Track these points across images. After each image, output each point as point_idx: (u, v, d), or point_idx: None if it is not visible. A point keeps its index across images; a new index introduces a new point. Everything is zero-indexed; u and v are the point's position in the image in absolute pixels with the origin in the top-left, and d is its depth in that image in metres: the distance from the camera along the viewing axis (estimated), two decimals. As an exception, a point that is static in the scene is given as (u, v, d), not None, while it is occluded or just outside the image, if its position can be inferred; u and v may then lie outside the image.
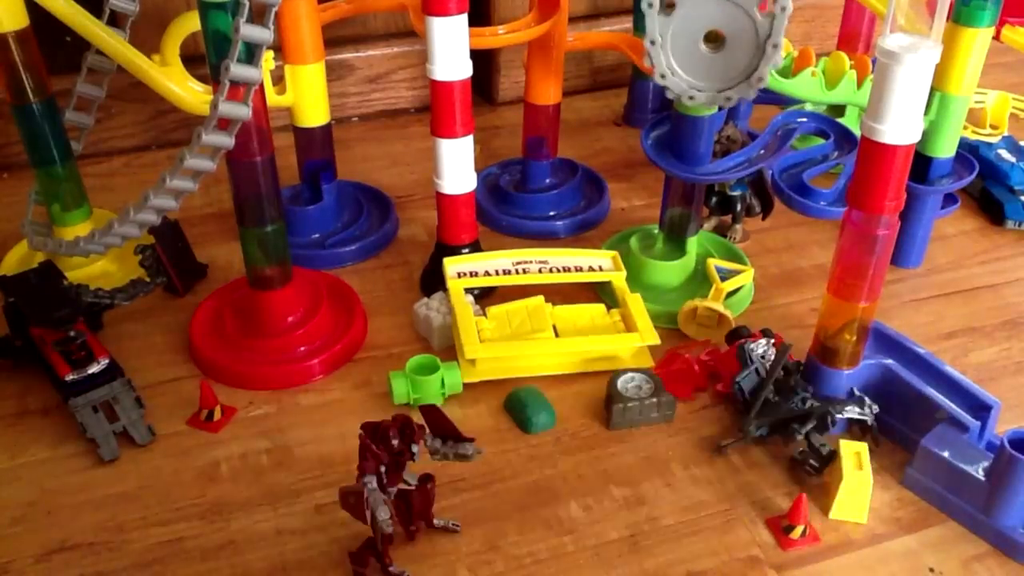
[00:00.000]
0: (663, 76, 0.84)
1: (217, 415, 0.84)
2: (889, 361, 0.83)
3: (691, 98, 0.85)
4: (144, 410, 0.83)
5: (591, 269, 0.98)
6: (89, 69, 1.02)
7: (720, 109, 0.88)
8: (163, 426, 0.84)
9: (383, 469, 0.67)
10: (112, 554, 0.73)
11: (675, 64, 0.83)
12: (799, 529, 0.74)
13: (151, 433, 0.82)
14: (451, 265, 0.95)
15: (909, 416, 0.81)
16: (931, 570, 0.73)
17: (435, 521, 0.74)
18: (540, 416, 0.84)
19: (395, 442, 0.67)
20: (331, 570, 0.72)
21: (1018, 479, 0.72)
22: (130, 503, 0.77)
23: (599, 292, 1.00)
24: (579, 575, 0.72)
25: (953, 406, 0.79)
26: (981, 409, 0.80)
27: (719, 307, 0.91)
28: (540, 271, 0.96)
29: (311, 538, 0.74)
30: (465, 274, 0.95)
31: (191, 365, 0.91)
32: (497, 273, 0.96)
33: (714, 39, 0.82)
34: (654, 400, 0.84)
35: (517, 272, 0.96)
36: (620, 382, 0.85)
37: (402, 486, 0.71)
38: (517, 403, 0.85)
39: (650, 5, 0.80)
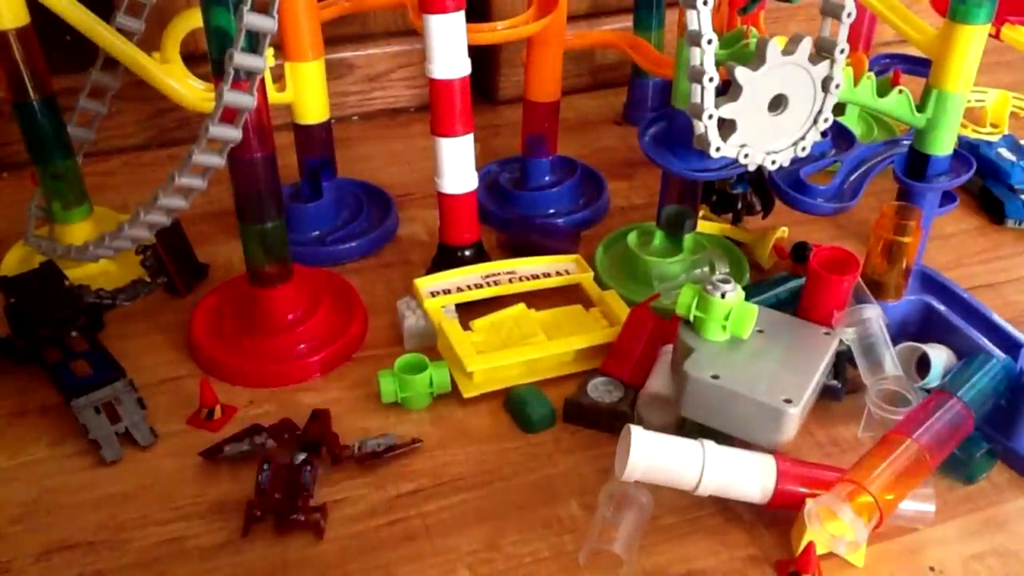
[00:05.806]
0: (746, 156, 0.86)
1: (217, 414, 0.84)
2: (930, 298, 0.90)
3: (773, 163, 0.87)
4: (146, 411, 0.83)
5: (559, 274, 0.99)
6: (93, 86, 1.02)
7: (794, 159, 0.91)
8: (163, 425, 0.84)
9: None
10: (112, 554, 0.73)
11: (747, 139, 0.85)
12: None
13: (153, 434, 0.82)
14: (424, 285, 0.95)
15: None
16: (931, 569, 0.73)
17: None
18: (540, 415, 0.84)
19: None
20: (331, 570, 0.72)
21: None
22: (130, 502, 0.77)
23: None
24: (579, 575, 0.72)
25: (987, 341, 0.85)
26: (1013, 347, 0.85)
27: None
28: (511, 281, 0.97)
29: (311, 538, 0.74)
30: (438, 292, 0.95)
31: (192, 364, 0.91)
32: (469, 288, 0.96)
33: (777, 104, 0.85)
34: (612, 406, 0.83)
35: (489, 285, 0.96)
36: (591, 385, 0.86)
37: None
38: (517, 402, 0.85)
39: (711, 79, 0.81)
